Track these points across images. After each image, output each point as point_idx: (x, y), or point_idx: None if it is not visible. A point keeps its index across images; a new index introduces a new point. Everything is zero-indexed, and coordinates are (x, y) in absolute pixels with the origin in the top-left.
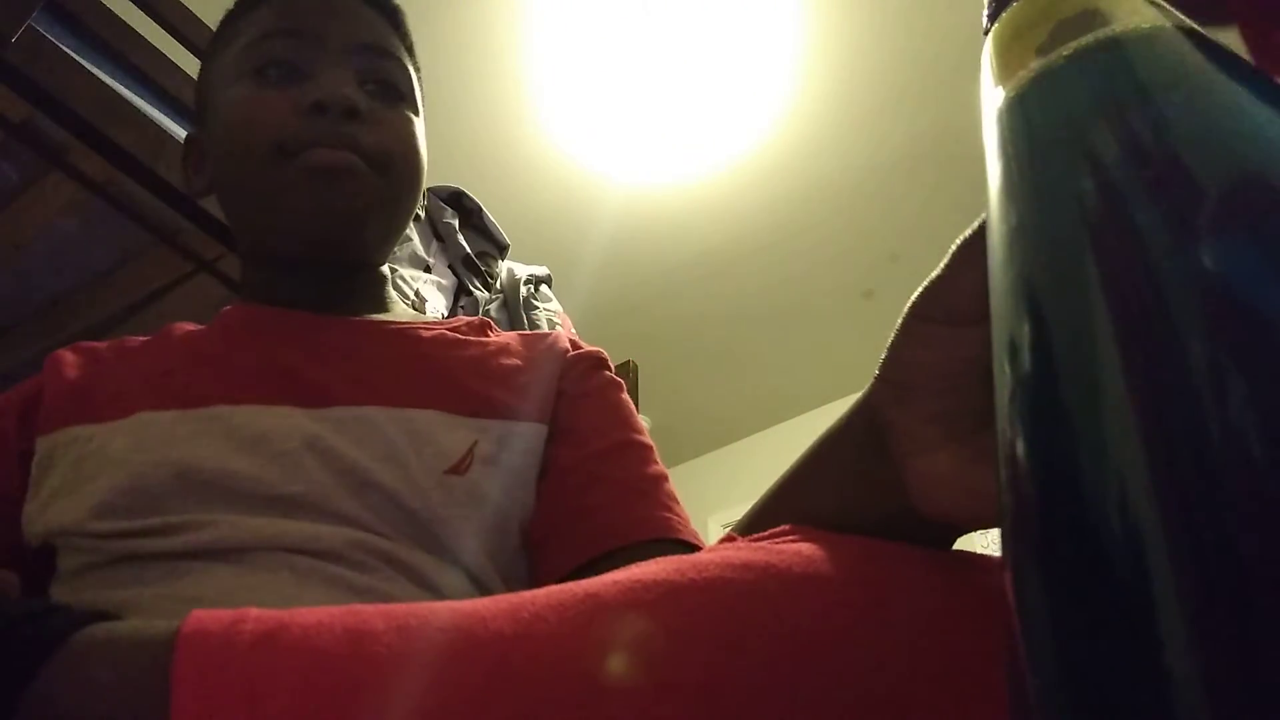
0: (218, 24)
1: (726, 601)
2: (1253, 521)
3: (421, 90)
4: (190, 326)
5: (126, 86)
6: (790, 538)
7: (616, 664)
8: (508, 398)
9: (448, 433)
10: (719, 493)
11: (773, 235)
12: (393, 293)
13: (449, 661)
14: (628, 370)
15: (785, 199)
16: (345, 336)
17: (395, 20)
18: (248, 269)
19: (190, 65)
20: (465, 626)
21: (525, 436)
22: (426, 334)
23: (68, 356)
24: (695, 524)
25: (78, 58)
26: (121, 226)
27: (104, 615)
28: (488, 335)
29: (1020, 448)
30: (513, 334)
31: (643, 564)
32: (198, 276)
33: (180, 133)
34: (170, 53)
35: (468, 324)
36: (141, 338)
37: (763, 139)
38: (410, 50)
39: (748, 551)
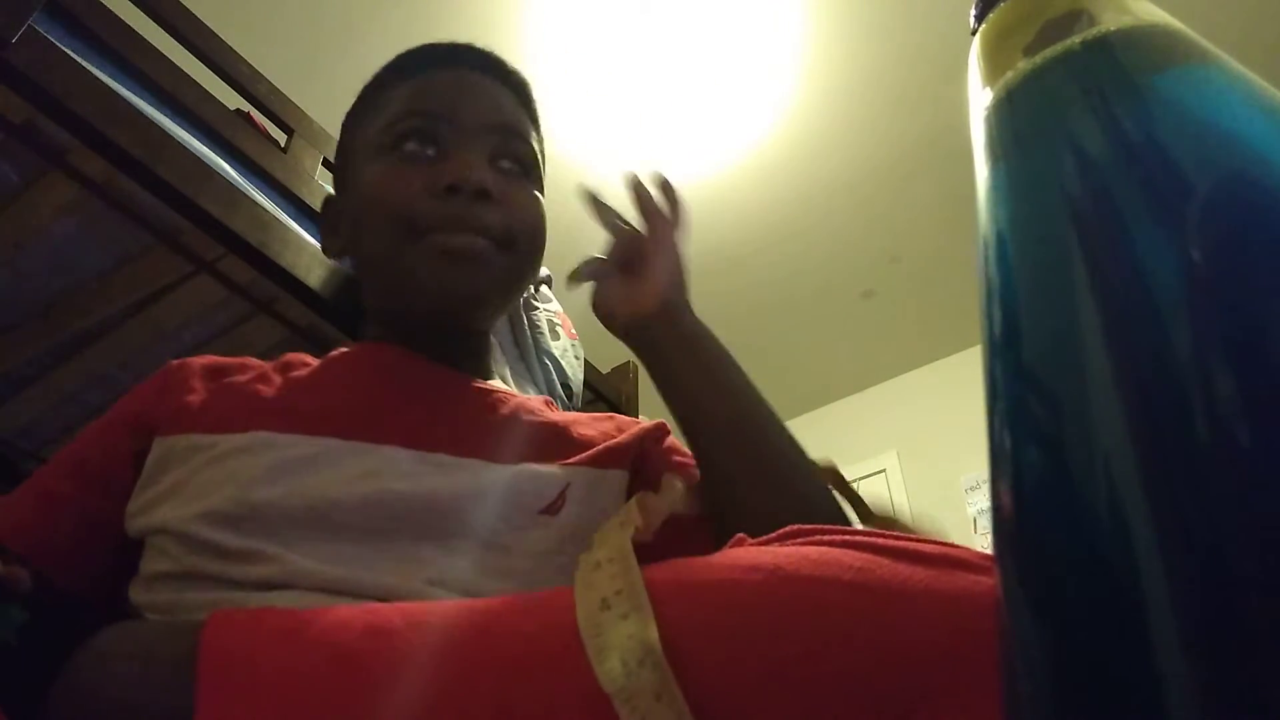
0: (361, 92)
1: (735, 601)
2: (1242, 512)
3: (544, 159)
4: (308, 358)
5: (127, 87)
6: (796, 540)
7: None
8: (595, 453)
9: (543, 481)
10: None
11: (772, 235)
12: (491, 359)
13: (466, 658)
14: (627, 371)
15: (785, 199)
16: (449, 389)
17: (524, 95)
18: (370, 320)
19: (190, 65)
20: (482, 624)
21: (611, 480)
22: (510, 399)
23: (194, 366)
24: None
25: (78, 58)
26: (121, 227)
27: (127, 616)
28: (554, 410)
29: (1008, 443)
30: (571, 414)
31: (655, 565)
32: (198, 277)
33: (180, 134)
34: (170, 53)
35: (538, 400)
36: (262, 361)
37: (763, 139)
38: (536, 123)
39: (756, 553)
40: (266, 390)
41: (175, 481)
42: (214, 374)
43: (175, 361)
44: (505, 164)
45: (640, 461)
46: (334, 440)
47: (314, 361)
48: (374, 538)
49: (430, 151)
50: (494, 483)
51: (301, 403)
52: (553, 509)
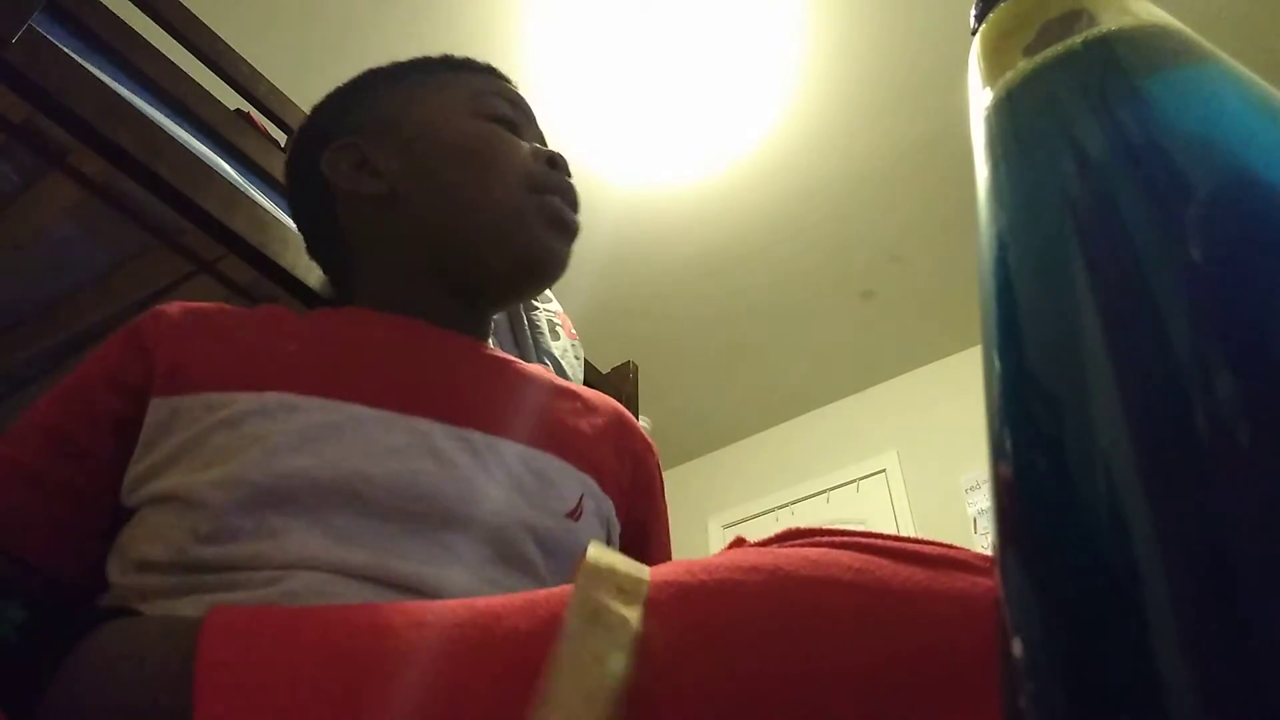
0: (414, 59)
1: (735, 602)
2: (1242, 512)
3: None
4: (292, 313)
5: (126, 87)
6: (796, 542)
7: (627, 662)
8: (600, 463)
9: (565, 479)
10: (719, 493)
11: (772, 236)
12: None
13: (465, 657)
14: (628, 371)
15: (785, 199)
16: (472, 360)
17: None
18: (381, 281)
19: (190, 65)
20: (481, 624)
21: (606, 504)
22: (528, 372)
23: (177, 314)
24: (695, 524)
25: (78, 58)
26: (121, 227)
27: (128, 611)
28: (559, 382)
29: (1008, 443)
30: (578, 390)
31: (655, 567)
32: (198, 277)
33: (180, 134)
34: (170, 53)
35: (542, 369)
36: (241, 308)
37: (762, 139)
38: None
39: (756, 554)
40: (263, 339)
41: (184, 443)
42: (198, 322)
43: (147, 314)
44: None
45: (632, 500)
46: (359, 407)
47: (300, 314)
48: (401, 518)
49: (518, 133)
50: (525, 472)
51: (318, 363)
52: (575, 514)
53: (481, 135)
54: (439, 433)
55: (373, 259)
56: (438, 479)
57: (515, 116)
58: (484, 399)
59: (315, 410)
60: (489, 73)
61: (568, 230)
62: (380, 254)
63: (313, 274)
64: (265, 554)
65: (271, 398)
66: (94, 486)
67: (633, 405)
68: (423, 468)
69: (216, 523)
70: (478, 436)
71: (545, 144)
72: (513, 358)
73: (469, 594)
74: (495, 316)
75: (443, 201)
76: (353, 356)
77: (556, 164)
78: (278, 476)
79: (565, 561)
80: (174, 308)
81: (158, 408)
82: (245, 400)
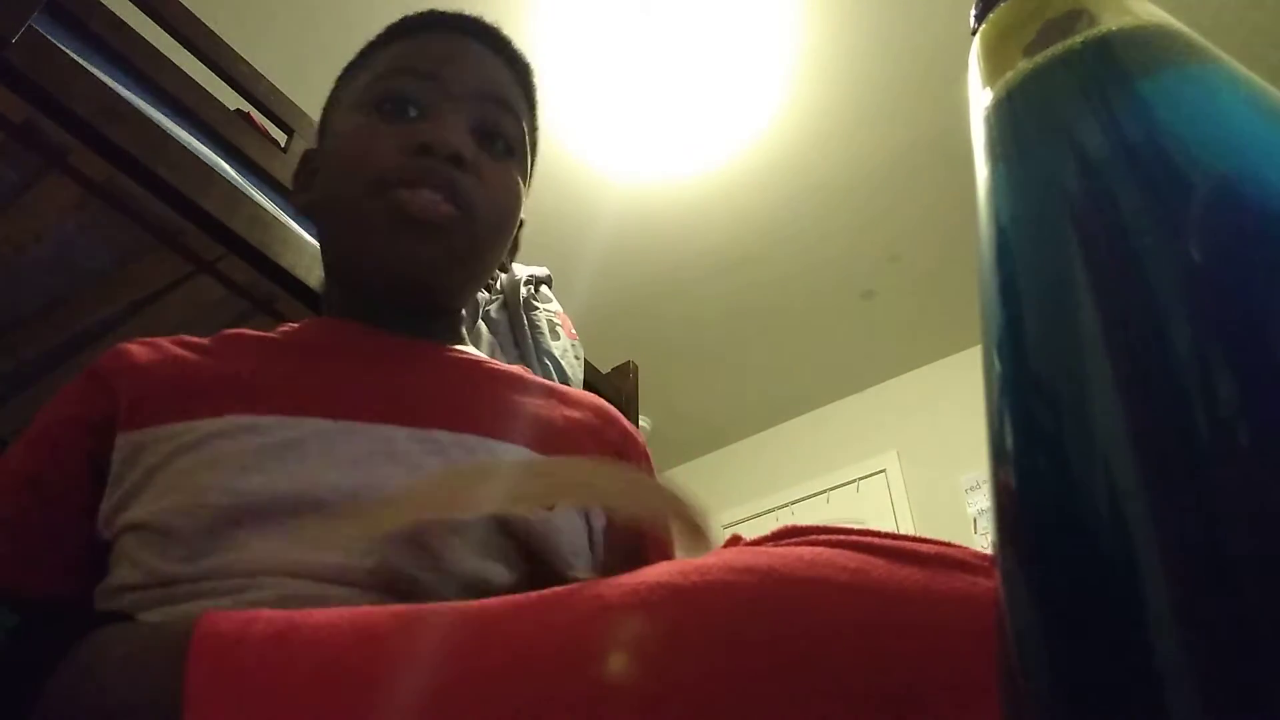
0: (361, 49)
1: (729, 603)
2: (1242, 513)
3: (534, 150)
4: (254, 333)
5: (126, 87)
6: (791, 540)
7: (620, 664)
8: (576, 454)
9: None
10: (718, 493)
11: (772, 235)
12: (462, 329)
13: (456, 661)
14: (628, 371)
15: (784, 199)
16: (435, 362)
17: (522, 76)
18: (333, 287)
19: (190, 65)
20: (472, 626)
21: None
22: (499, 370)
23: (137, 351)
24: None
25: (78, 58)
26: (121, 227)
27: (121, 616)
28: (535, 379)
29: (1008, 443)
30: (555, 386)
31: (648, 567)
32: (198, 277)
33: (180, 133)
34: (170, 53)
35: (519, 369)
36: (200, 338)
37: (762, 139)
38: (533, 109)
39: (750, 554)
40: (228, 369)
41: (147, 473)
42: (159, 356)
43: (108, 353)
44: (488, 138)
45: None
46: (320, 421)
47: (260, 334)
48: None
49: (412, 112)
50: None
51: (275, 382)
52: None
53: (350, 136)
54: (402, 437)
55: (325, 267)
56: (402, 482)
57: (415, 93)
58: (449, 400)
59: (275, 429)
60: (421, 31)
61: (418, 227)
62: (326, 262)
63: (313, 274)
64: (231, 565)
65: (229, 420)
66: (70, 524)
67: (633, 405)
68: (386, 473)
69: (183, 546)
70: (444, 436)
71: (491, 96)
72: (484, 358)
73: (443, 591)
74: (495, 315)
75: (326, 213)
76: (311, 371)
77: (430, 150)
78: (239, 495)
79: (540, 551)
80: (134, 345)
81: (123, 443)
82: (204, 425)
